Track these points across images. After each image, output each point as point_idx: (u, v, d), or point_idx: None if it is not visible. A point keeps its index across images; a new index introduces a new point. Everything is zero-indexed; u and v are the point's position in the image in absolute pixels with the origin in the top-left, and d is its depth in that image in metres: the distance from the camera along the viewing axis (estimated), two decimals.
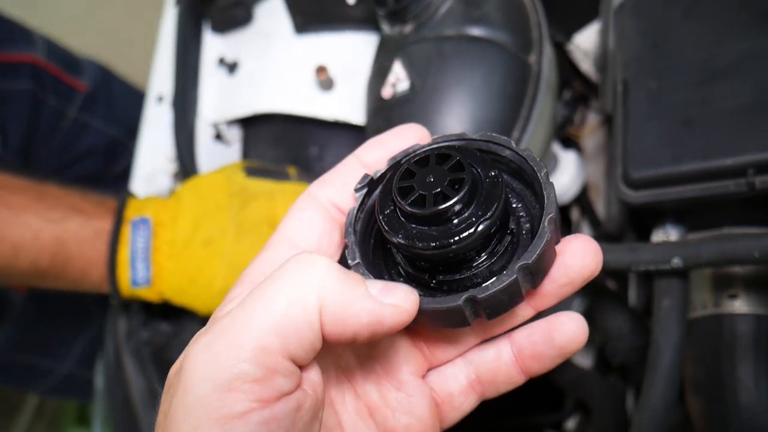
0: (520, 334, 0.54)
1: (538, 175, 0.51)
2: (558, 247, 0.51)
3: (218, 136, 1.27)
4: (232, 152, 1.27)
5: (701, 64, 0.81)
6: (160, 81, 1.34)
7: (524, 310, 0.54)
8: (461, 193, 0.48)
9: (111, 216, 1.02)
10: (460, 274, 0.51)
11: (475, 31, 0.91)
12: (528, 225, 0.53)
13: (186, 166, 1.19)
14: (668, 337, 0.80)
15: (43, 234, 0.99)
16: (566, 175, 1.09)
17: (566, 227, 1.19)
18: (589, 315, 1.00)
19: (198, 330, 0.49)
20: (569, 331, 0.52)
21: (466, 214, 0.49)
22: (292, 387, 0.44)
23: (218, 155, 1.25)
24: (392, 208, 0.51)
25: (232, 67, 1.24)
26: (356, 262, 0.52)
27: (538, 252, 0.48)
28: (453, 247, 0.48)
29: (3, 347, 1.57)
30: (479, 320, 0.51)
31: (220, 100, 1.24)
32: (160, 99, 1.33)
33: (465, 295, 0.48)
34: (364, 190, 0.55)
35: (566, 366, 1.09)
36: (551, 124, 0.99)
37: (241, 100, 1.21)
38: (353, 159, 0.57)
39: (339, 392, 0.55)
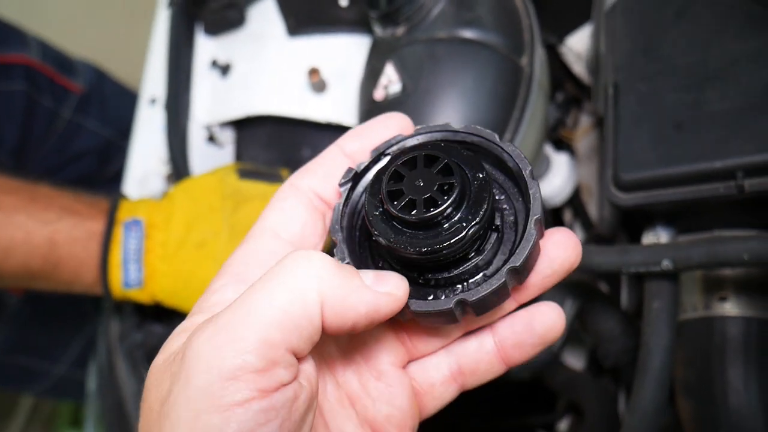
0: (502, 325, 0.56)
1: (524, 173, 0.52)
2: (540, 241, 0.52)
3: (211, 138, 1.26)
4: (225, 154, 1.27)
5: (692, 68, 0.81)
6: (153, 83, 1.34)
7: (509, 304, 0.55)
8: (450, 199, 0.49)
9: (103, 217, 1.02)
10: (448, 272, 0.52)
11: (467, 34, 0.91)
12: (512, 218, 0.54)
13: (179, 168, 1.19)
14: (658, 339, 0.80)
15: (35, 235, 0.99)
16: (558, 177, 1.09)
17: None
18: (581, 317, 1.00)
19: None
20: (549, 320, 0.55)
21: (456, 219, 0.50)
22: (291, 378, 0.46)
23: (211, 157, 1.25)
24: (381, 210, 0.52)
25: (224, 69, 1.24)
26: (346, 261, 0.53)
27: (525, 255, 0.49)
28: (443, 252, 0.49)
29: None
30: (467, 317, 0.52)
31: (213, 102, 1.24)
32: (153, 101, 1.33)
33: (455, 299, 0.49)
34: (349, 185, 0.56)
35: (558, 368, 1.09)
36: (543, 126, 0.99)
37: (234, 102, 1.20)
38: (335, 148, 0.58)
39: (321, 381, 0.56)
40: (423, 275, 0.53)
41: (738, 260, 0.73)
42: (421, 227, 0.50)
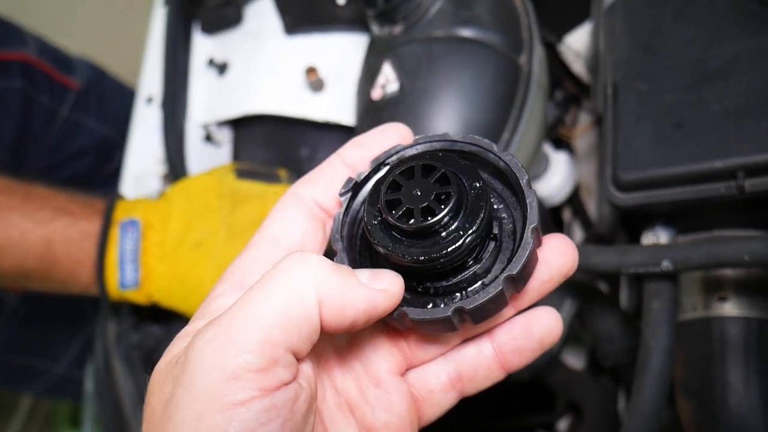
0: (501, 331, 0.56)
1: (521, 182, 0.52)
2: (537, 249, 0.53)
3: (208, 138, 1.26)
4: (222, 154, 1.27)
5: (692, 66, 0.80)
6: (150, 82, 1.34)
7: (507, 311, 0.55)
8: (447, 208, 0.50)
9: (99, 217, 1.02)
10: (446, 280, 0.53)
11: (466, 32, 0.90)
12: (510, 226, 0.55)
13: (175, 167, 1.18)
14: (658, 340, 0.80)
15: (30, 235, 0.98)
16: (558, 176, 1.09)
17: (558, 228, 1.18)
18: (580, 317, 1.00)
19: None
20: (547, 324, 0.55)
21: (453, 227, 0.50)
22: (291, 378, 0.46)
23: (208, 157, 1.25)
24: (380, 219, 0.53)
25: (222, 68, 1.23)
26: None
27: (522, 263, 0.49)
28: (441, 260, 0.50)
29: None
30: (465, 324, 0.53)
31: (210, 102, 1.23)
32: (150, 100, 1.32)
33: (453, 307, 0.50)
34: (349, 194, 0.56)
35: (558, 367, 1.08)
36: (542, 125, 0.98)
37: (231, 101, 1.20)
38: (336, 158, 0.59)
39: (320, 388, 0.57)
40: (422, 284, 0.53)
41: (738, 261, 0.72)
42: (418, 236, 0.51)
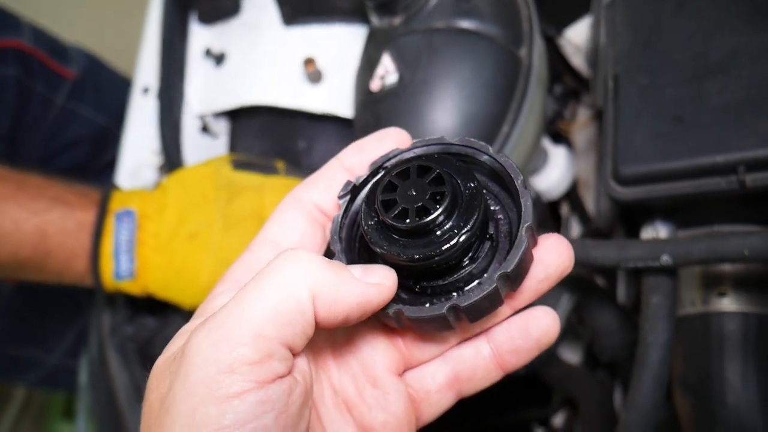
0: (498, 331, 0.57)
1: (515, 183, 0.53)
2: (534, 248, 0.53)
3: (205, 129, 1.25)
4: (218, 145, 1.26)
5: (693, 61, 0.80)
6: (146, 72, 1.33)
7: (503, 310, 0.56)
8: (442, 207, 0.51)
9: (94, 208, 1.01)
10: (443, 280, 0.54)
11: (465, 24, 0.90)
12: (506, 227, 0.55)
13: (171, 158, 1.18)
14: (656, 335, 0.79)
15: (25, 225, 0.98)
16: (556, 171, 1.09)
17: (556, 223, 1.18)
18: (578, 311, 1.00)
19: (183, 325, 0.54)
20: (544, 324, 0.56)
21: (448, 226, 0.51)
22: (286, 371, 0.47)
23: (205, 148, 1.24)
24: (376, 220, 0.54)
25: (219, 59, 1.22)
26: None
27: (516, 261, 0.50)
28: (436, 259, 0.50)
29: None
30: (461, 323, 0.53)
31: (207, 92, 1.23)
32: (146, 90, 1.31)
33: (448, 305, 0.50)
34: (347, 197, 0.58)
35: (554, 362, 1.08)
36: (541, 119, 0.98)
37: (229, 92, 1.19)
38: (335, 162, 0.60)
39: (318, 387, 0.57)
40: (419, 283, 0.54)
41: (739, 256, 0.72)
42: (414, 235, 0.52)
